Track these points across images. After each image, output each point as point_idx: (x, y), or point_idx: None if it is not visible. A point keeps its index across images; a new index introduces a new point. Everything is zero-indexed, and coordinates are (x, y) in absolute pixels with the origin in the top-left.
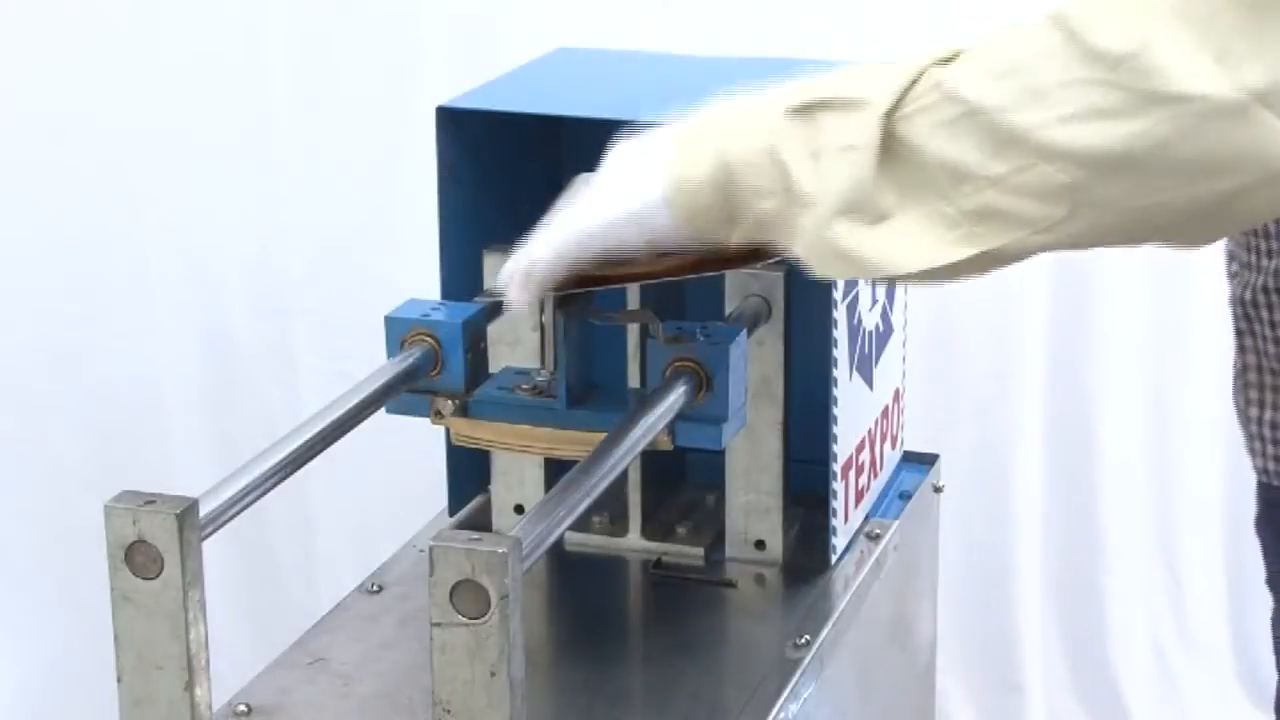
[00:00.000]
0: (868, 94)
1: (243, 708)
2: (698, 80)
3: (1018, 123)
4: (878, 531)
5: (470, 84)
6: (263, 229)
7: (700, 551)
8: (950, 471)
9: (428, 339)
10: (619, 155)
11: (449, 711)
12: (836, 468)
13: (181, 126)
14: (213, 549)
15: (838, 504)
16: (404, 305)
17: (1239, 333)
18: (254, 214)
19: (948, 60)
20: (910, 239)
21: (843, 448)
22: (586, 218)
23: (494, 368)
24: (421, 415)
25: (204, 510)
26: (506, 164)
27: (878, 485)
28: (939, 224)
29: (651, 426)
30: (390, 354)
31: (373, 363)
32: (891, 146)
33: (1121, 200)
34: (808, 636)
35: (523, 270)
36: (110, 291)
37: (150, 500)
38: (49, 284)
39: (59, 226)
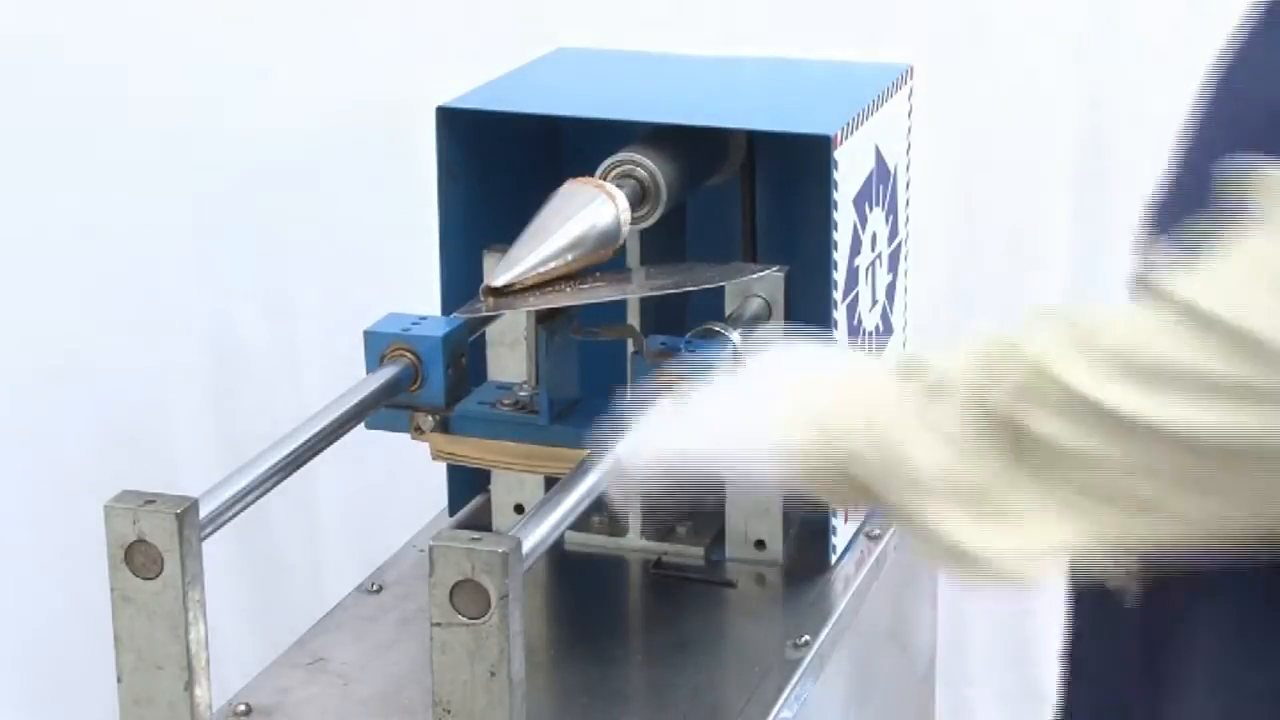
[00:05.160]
0: (975, 376)
1: (243, 707)
2: (698, 80)
3: (1147, 420)
4: (878, 531)
5: (470, 84)
6: (263, 229)
7: (700, 551)
8: None
9: (408, 354)
10: (746, 378)
11: (449, 711)
12: None
13: (182, 126)
14: (213, 549)
15: None
16: (384, 319)
17: None
18: (255, 214)
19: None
20: (1037, 527)
21: None
22: (694, 443)
23: (492, 369)
24: (401, 430)
25: (204, 510)
26: (506, 164)
27: None
28: (1069, 512)
29: None
30: (370, 368)
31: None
32: (1011, 435)
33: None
34: (808, 636)
35: (619, 471)
36: (112, 292)
37: (150, 500)
38: (51, 284)
39: (61, 226)
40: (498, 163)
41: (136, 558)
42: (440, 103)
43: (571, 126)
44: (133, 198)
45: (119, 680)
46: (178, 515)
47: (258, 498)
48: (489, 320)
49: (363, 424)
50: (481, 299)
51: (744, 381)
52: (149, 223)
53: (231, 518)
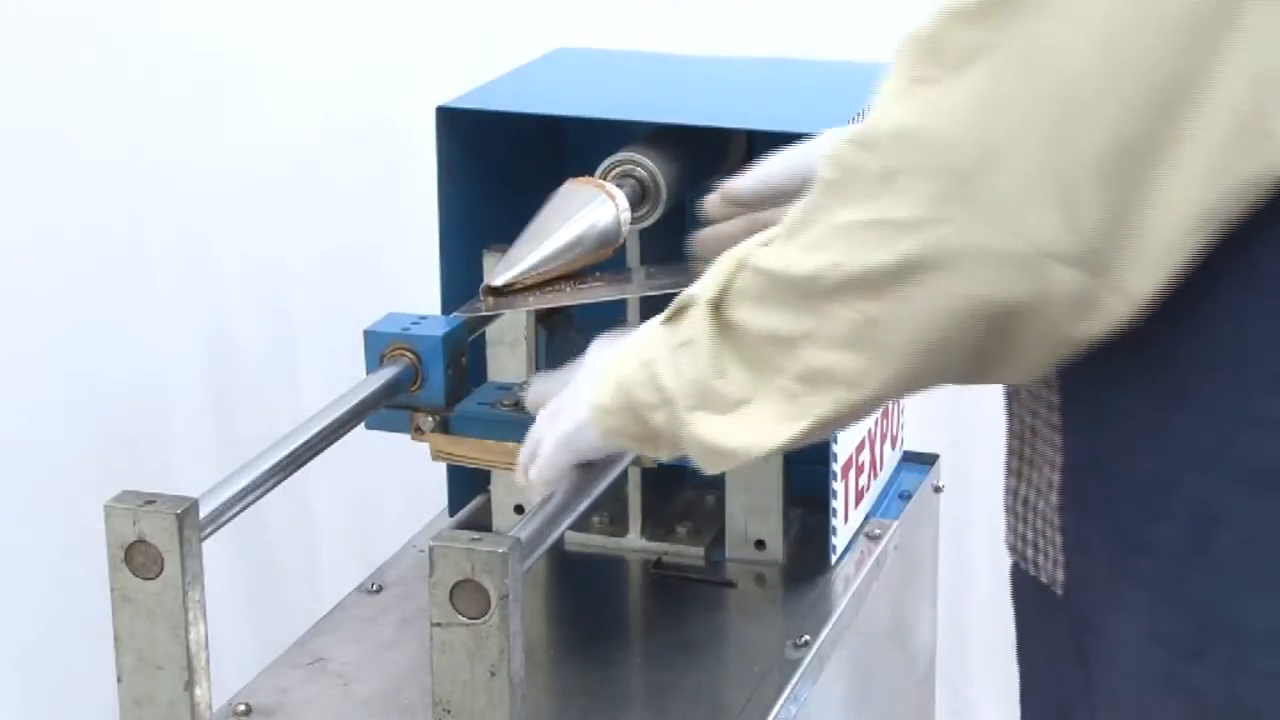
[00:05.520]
0: (701, 289)
1: (242, 707)
2: (698, 80)
3: (808, 272)
4: (878, 531)
5: (470, 84)
6: (264, 229)
7: (700, 551)
8: (950, 471)
9: (407, 354)
10: (587, 363)
11: (449, 711)
12: (836, 468)
13: (182, 126)
14: (213, 549)
15: (838, 504)
16: (383, 319)
17: (1006, 396)
18: (255, 214)
19: (768, 242)
20: (758, 419)
21: (843, 448)
22: (549, 429)
23: (492, 368)
24: (401, 431)
25: (204, 510)
26: (506, 164)
27: (878, 485)
28: (780, 399)
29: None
30: (370, 368)
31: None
32: (727, 334)
33: (912, 339)
34: (808, 636)
35: (524, 472)
36: (112, 292)
37: (150, 500)
38: (50, 285)
39: (60, 228)
40: (498, 163)
41: (136, 558)
42: (440, 102)
43: (571, 126)
44: (132, 198)
45: (119, 680)
46: (178, 515)
47: (257, 498)
48: (489, 320)
49: (362, 424)
50: (481, 299)
51: (585, 365)
52: (149, 223)
53: (231, 518)
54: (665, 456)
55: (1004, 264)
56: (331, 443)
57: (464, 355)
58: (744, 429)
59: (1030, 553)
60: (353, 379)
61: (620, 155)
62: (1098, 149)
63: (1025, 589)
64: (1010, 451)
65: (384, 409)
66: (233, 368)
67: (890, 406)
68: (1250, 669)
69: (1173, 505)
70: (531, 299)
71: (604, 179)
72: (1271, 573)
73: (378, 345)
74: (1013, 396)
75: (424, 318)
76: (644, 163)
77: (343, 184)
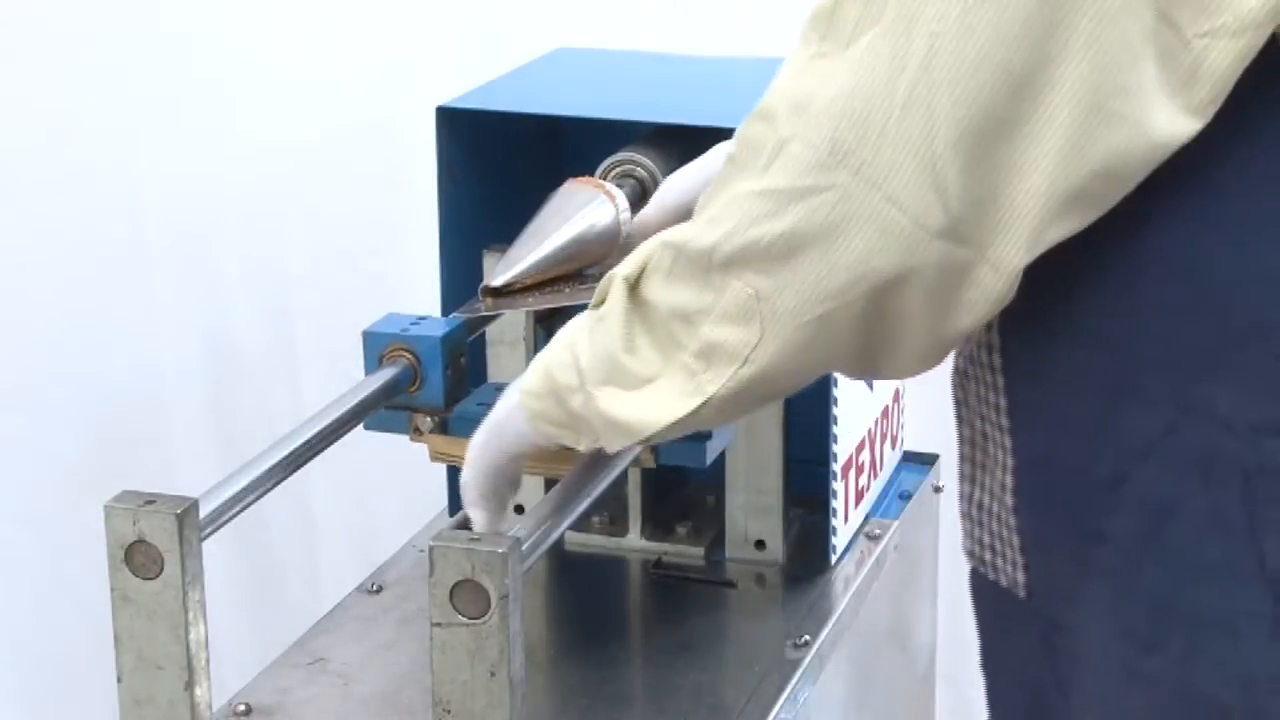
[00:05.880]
0: (621, 266)
1: (242, 707)
2: (698, 80)
3: (705, 246)
4: (878, 531)
5: (470, 84)
6: (263, 229)
7: (700, 551)
8: (950, 471)
9: (406, 354)
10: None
11: (449, 711)
12: (836, 468)
13: (182, 126)
14: (213, 549)
15: (838, 504)
16: (382, 320)
17: (956, 403)
18: (255, 214)
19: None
20: (660, 396)
21: (843, 448)
22: (480, 432)
23: (492, 368)
24: (400, 432)
25: (204, 510)
26: (506, 164)
27: (878, 485)
28: (682, 376)
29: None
30: (368, 369)
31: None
32: (639, 311)
33: (796, 311)
34: (808, 636)
35: (463, 494)
36: (111, 292)
37: (150, 500)
38: (49, 285)
39: (59, 227)
40: (498, 163)
41: (136, 558)
42: (440, 103)
43: (571, 126)
44: (132, 198)
45: (119, 680)
46: (178, 515)
47: (257, 498)
48: (488, 320)
49: (361, 425)
50: (480, 299)
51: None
52: (149, 222)
53: (231, 518)
54: (584, 446)
55: (882, 234)
56: (331, 443)
57: (463, 356)
58: (645, 405)
59: (989, 556)
60: (352, 379)
61: (620, 155)
62: (961, 121)
63: (987, 595)
64: (962, 458)
65: (383, 410)
66: (233, 368)
67: (890, 406)
68: (1206, 657)
69: (1124, 498)
70: (531, 299)
71: (604, 179)
72: (1224, 560)
73: (376, 346)
74: (961, 403)
75: (423, 318)
76: (644, 163)
77: (343, 184)
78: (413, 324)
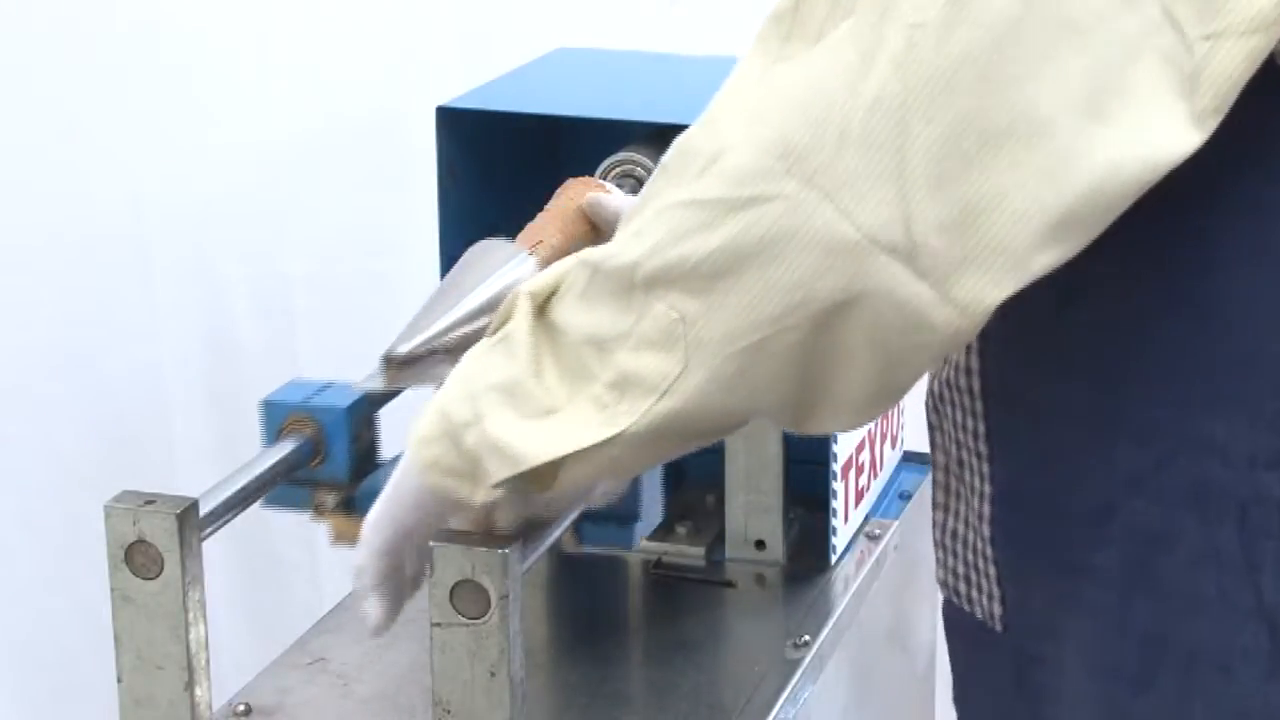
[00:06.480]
0: (529, 283)
1: (242, 707)
2: (698, 80)
3: (627, 262)
4: (878, 531)
5: (470, 84)
6: (264, 229)
7: (700, 551)
8: None
9: (308, 426)
10: None
11: (449, 711)
12: (836, 468)
13: (182, 126)
14: (213, 549)
15: (838, 504)
16: (284, 388)
17: (930, 428)
18: (255, 214)
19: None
20: (562, 426)
21: (843, 448)
22: (376, 504)
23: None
24: (302, 509)
25: (204, 510)
26: (506, 164)
27: (878, 485)
28: (591, 408)
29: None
30: (267, 442)
31: (373, 364)
32: (547, 334)
33: (726, 338)
34: (808, 636)
35: (357, 577)
36: (112, 292)
37: (150, 500)
38: (50, 284)
39: (60, 227)
40: (498, 163)
41: (136, 558)
42: (440, 102)
43: (571, 126)
44: (134, 197)
45: (119, 680)
46: (178, 515)
47: (259, 496)
48: (393, 395)
49: (259, 503)
50: (382, 371)
51: None
52: (150, 222)
53: (231, 518)
54: (480, 498)
55: (829, 252)
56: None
57: (371, 427)
58: (542, 432)
59: (963, 588)
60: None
61: (620, 155)
62: (938, 127)
63: (960, 627)
64: (935, 485)
65: (282, 485)
66: (233, 368)
67: None
68: (1200, 695)
69: (1112, 531)
70: (441, 370)
71: (604, 179)
72: (1219, 594)
73: (276, 417)
74: (935, 428)
75: (328, 385)
76: (644, 163)
77: (343, 184)
78: (316, 393)
